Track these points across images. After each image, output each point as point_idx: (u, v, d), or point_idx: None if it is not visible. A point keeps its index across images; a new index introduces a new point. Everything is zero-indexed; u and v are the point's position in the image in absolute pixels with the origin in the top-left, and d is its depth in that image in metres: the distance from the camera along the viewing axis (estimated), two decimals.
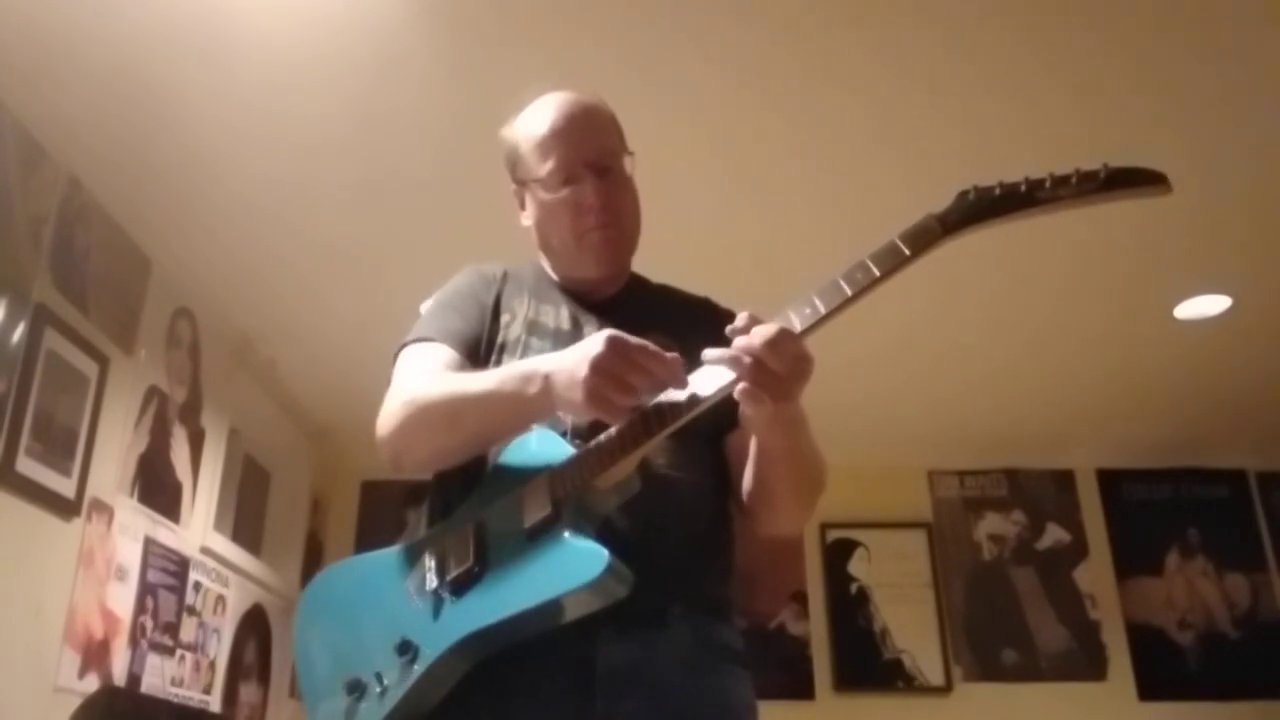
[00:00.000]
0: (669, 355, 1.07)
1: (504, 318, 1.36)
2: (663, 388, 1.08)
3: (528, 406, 1.13)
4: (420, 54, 2.22)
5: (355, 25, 2.13)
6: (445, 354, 1.30)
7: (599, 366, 1.05)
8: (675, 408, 1.08)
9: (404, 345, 1.34)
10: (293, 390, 3.87)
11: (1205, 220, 2.79)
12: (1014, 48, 2.21)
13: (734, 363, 1.04)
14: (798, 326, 1.05)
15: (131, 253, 2.83)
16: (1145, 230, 2.82)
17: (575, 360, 1.07)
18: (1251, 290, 3.17)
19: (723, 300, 1.42)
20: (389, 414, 1.25)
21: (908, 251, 1.05)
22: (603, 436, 1.11)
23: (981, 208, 1.05)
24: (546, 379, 1.10)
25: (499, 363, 1.30)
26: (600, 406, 1.06)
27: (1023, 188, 1.04)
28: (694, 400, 1.07)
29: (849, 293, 1.05)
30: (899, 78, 2.29)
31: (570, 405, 1.09)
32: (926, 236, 1.06)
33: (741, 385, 1.04)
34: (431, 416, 1.21)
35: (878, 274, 1.05)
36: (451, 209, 2.71)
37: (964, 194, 1.07)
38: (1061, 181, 1.03)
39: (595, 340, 1.07)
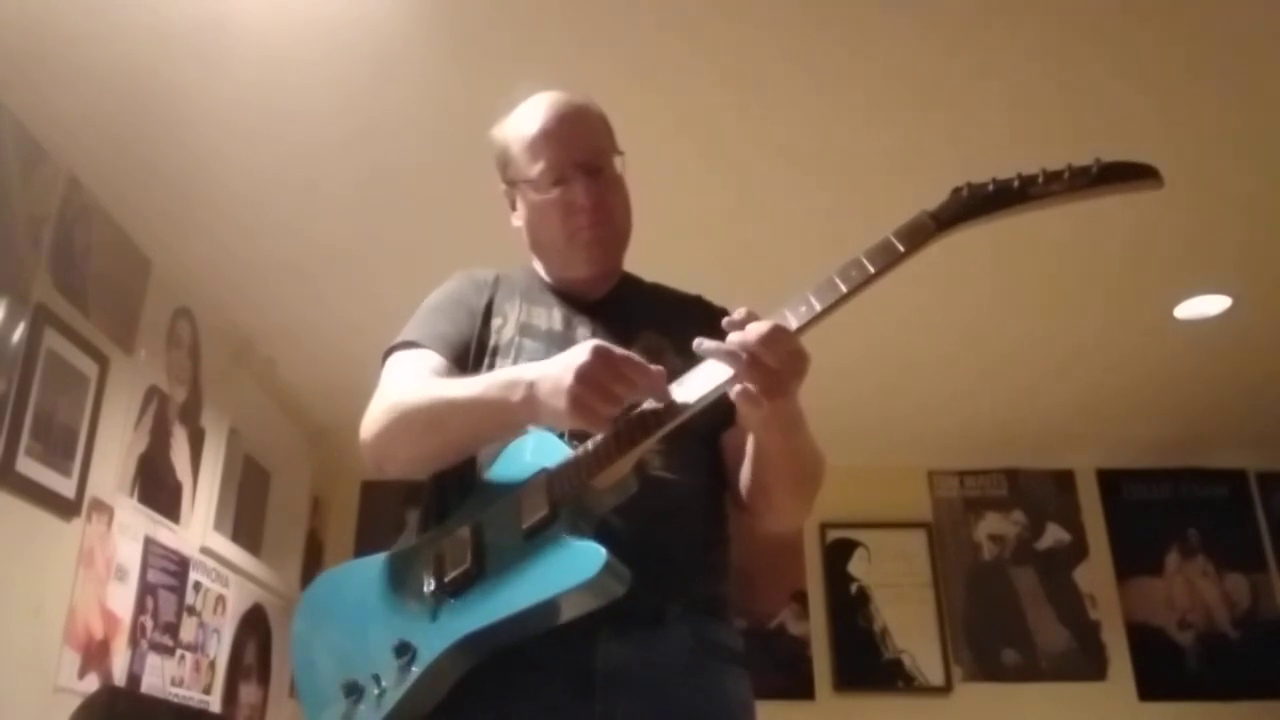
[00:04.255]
0: (653, 367, 1.07)
1: (495, 321, 1.36)
2: (646, 398, 1.08)
3: (511, 414, 1.13)
4: (419, 54, 2.23)
5: (354, 25, 2.13)
6: (432, 359, 1.30)
7: (584, 376, 1.05)
8: (672, 406, 1.08)
9: (391, 349, 1.34)
10: (293, 390, 3.87)
11: (1205, 220, 2.80)
12: (1010, 48, 2.21)
13: (729, 358, 1.04)
14: (793, 324, 1.05)
15: (131, 253, 2.84)
16: (1145, 230, 2.82)
17: (560, 369, 1.07)
18: (1251, 290, 3.17)
19: (718, 298, 1.41)
20: (373, 418, 1.25)
21: (902, 248, 1.05)
22: (599, 436, 1.11)
23: (975, 204, 1.06)
24: (531, 387, 1.10)
25: (491, 365, 1.30)
26: (583, 415, 1.06)
27: (1016, 183, 1.05)
28: (689, 399, 1.07)
29: (844, 289, 1.05)
30: (891, 79, 2.29)
31: (553, 414, 1.09)
32: (921, 233, 1.06)
33: (737, 384, 1.04)
34: (415, 422, 1.21)
35: (872, 271, 1.05)
36: (451, 208, 2.71)
37: (958, 190, 1.08)
38: (1054, 177, 1.04)
39: (581, 349, 1.07)
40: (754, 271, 2.69)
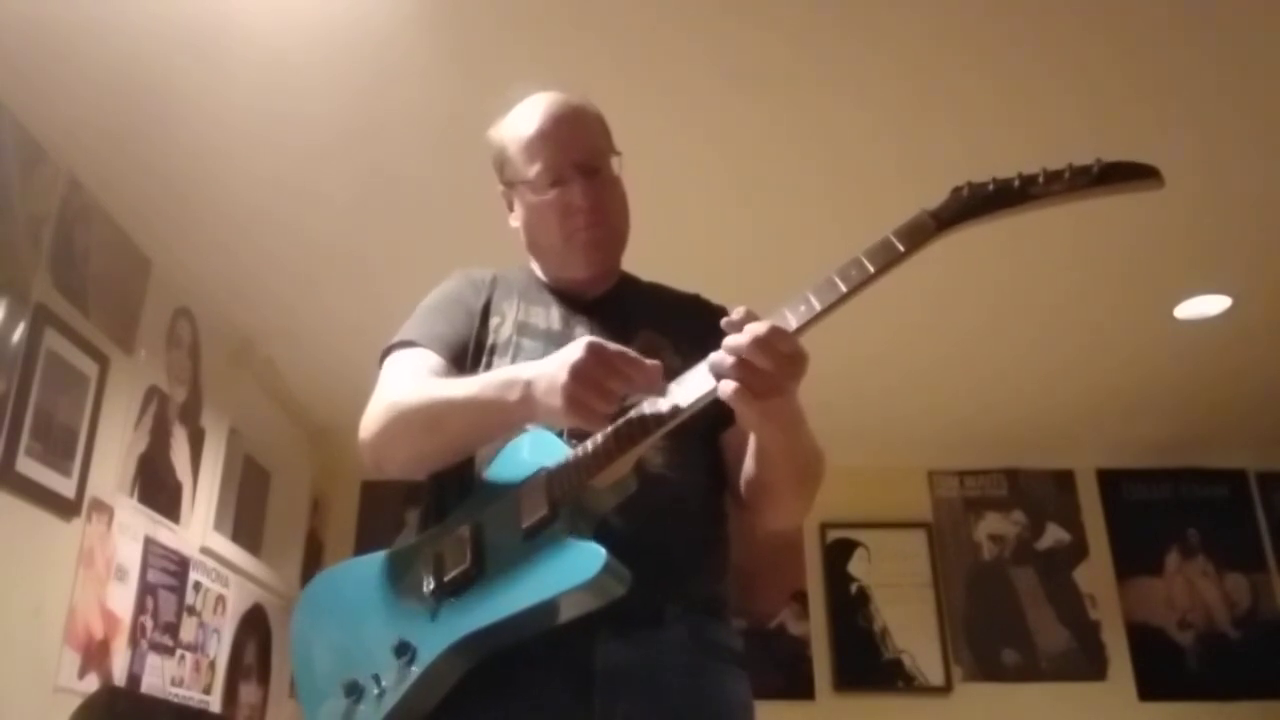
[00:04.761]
0: (649, 362, 1.07)
1: (493, 320, 1.36)
2: (643, 394, 1.08)
3: (509, 413, 1.13)
4: (419, 56, 2.23)
5: (354, 28, 2.13)
6: (429, 359, 1.30)
7: (579, 373, 1.05)
8: (671, 405, 1.08)
9: (389, 349, 1.34)
10: (293, 390, 3.87)
11: (1205, 220, 2.79)
12: (1013, 45, 2.21)
13: (724, 361, 1.04)
14: (793, 323, 1.05)
15: (131, 253, 2.84)
16: (1146, 230, 2.82)
17: (556, 367, 1.07)
18: (1251, 290, 3.17)
19: (720, 298, 1.41)
20: (371, 418, 1.25)
21: (902, 248, 1.05)
22: (599, 436, 1.11)
23: (975, 203, 1.05)
24: (527, 385, 1.10)
25: (489, 365, 1.30)
26: (579, 413, 1.06)
27: (1016, 183, 1.04)
28: (688, 397, 1.07)
29: (844, 289, 1.04)
30: (897, 76, 2.29)
31: (550, 412, 1.09)
32: (921, 233, 1.06)
33: (730, 383, 1.03)
34: (413, 422, 1.21)
35: (872, 270, 1.04)
36: (450, 210, 2.71)
37: (958, 190, 1.07)
38: (1055, 177, 1.03)
39: (575, 347, 1.07)
40: (760, 268, 2.69)
